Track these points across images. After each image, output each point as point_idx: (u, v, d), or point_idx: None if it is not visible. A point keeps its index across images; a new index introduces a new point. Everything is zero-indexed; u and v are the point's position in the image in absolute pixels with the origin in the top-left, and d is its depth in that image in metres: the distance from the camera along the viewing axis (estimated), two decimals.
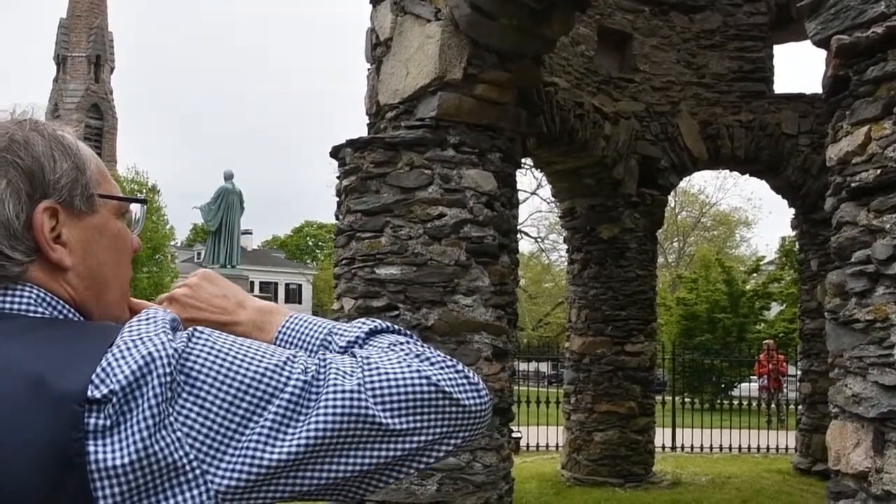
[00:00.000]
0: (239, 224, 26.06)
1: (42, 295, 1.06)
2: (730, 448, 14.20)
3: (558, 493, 10.05)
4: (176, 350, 0.94)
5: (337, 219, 6.92)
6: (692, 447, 14.20)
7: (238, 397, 0.95)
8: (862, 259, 3.85)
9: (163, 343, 0.93)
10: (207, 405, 0.93)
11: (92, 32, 55.84)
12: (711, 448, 14.14)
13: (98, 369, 0.91)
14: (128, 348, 0.93)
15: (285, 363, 0.98)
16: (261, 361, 0.98)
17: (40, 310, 1.05)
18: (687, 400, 16.51)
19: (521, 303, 39.24)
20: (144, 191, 32.43)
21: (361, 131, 7.40)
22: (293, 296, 64.14)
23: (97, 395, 0.89)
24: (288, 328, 1.21)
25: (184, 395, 0.93)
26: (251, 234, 61.97)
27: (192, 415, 0.93)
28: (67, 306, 1.07)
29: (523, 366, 19.08)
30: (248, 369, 0.96)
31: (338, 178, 6.89)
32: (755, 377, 20.43)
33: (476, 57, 6.52)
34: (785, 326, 23.72)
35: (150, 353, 0.92)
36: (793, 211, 11.50)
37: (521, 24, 6.45)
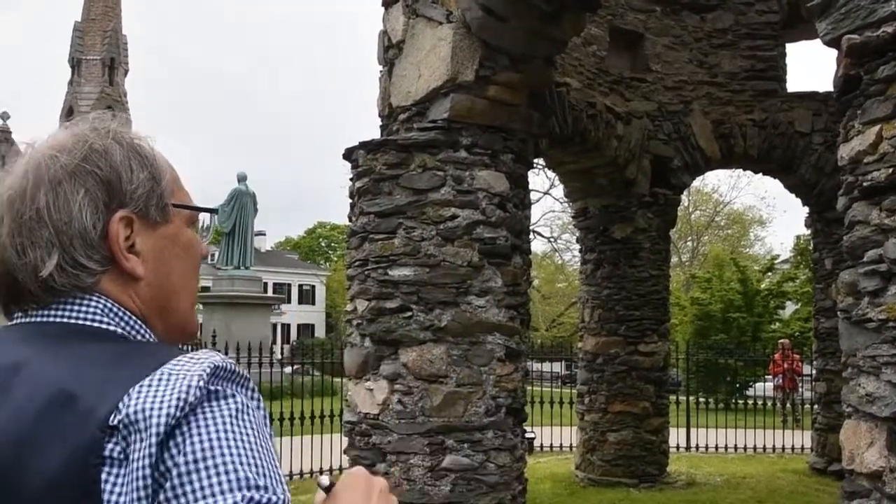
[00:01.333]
0: (252, 225, 26.16)
1: (109, 306, 1.05)
2: (745, 448, 14.15)
3: (572, 494, 10.05)
4: (196, 399, 0.91)
5: (350, 220, 6.94)
6: (707, 447, 14.15)
7: (208, 476, 0.88)
8: (874, 258, 3.84)
9: (188, 388, 0.91)
10: (180, 470, 0.88)
11: (106, 35, 56.11)
12: (726, 448, 14.09)
13: (125, 396, 0.90)
14: (159, 380, 0.92)
15: (260, 487, 0.91)
16: (246, 468, 0.91)
17: (105, 320, 1.04)
18: (702, 400, 16.49)
19: (534, 303, 39.22)
20: None
21: (374, 133, 7.44)
22: (307, 297, 64.26)
23: (115, 421, 0.89)
24: None
25: (169, 446, 0.89)
26: (265, 235, 62.09)
27: (165, 468, 0.89)
28: (134, 318, 1.07)
29: (537, 366, 19.04)
30: (226, 463, 0.90)
31: (350, 180, 6.91)
32: (770, 377, 20.34)
33: (488, 59, 6.53)
34: (800, 325, 23.60)
35: (172, 392, 0.90)
36: (807, 209, 11.47)
37: (532, 26, 6.46)
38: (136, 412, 0.89)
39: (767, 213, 53.47)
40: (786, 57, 10.86)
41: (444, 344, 6.25)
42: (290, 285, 61.95)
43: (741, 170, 12.77)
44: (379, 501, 1.06)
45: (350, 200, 6.94)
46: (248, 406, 0.95)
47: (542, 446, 14.00)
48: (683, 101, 10.54)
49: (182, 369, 0.93)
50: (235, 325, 22.23)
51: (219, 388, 0.93)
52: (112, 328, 1.04)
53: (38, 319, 1.05)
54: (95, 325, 1.04)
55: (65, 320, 1.04)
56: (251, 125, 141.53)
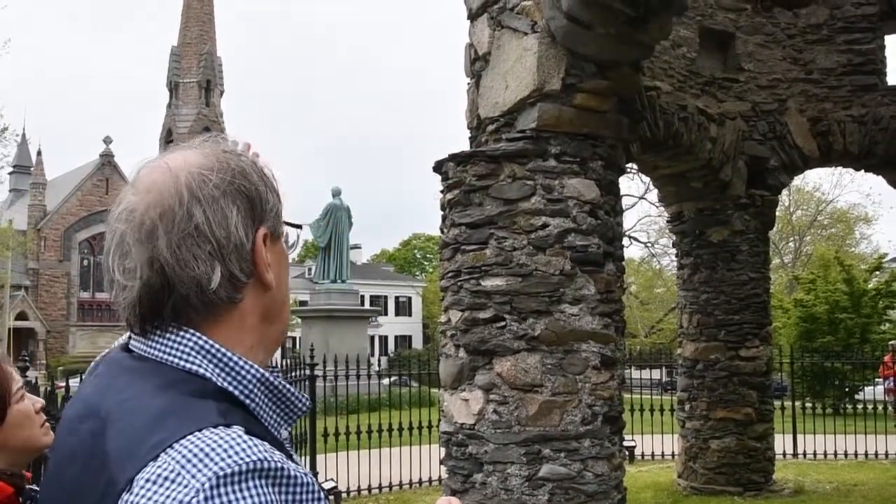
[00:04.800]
0: (348, 239, 26.59)
1: (201, 343, 1.08)
2: (855, 454, 13.67)
3: (675, 503, 9.90)
4: None
5: (442, 232, 7.00)
6: (815, 454, 13.75)
7: None
8: None
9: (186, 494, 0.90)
10: None
11: (202, 59, 57.99)
12: (836, 454, 13.64)
13: (135, 480, 0.93)
14: (164, 479, 0.92)
15: None
16: None
17: (198, 361, 1.07)
18: (809, 405, 16.01)
19: (632, 309, 38.73)
20: None
21: (465, 142, 7.50)
22: (403, 309, 64.84)
23: None
24: None
25: None
26: (360, 248, 62.96)
27: None
28: (222, 350, 1.08)
29: (636, 373, 18.76)
30: None
31: (441, 192, 6.98)
32: (881, 379, 19.59)
33: (574, 67, 6.52)
34: None
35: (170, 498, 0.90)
36: None
37: (618, 32, 6.42)
38: None
39: (873, 211, 51.59)
40: (885, 49, 10.49)
41: (538, 353, 6.25)
42: (386, 297, 62.64)
43: (842, 167, 12.39)
44: None
45: (441, 212, 7.01)
46: None
47: (642, 455, 13.84)
48: (778, 100, 10.30)
49: (187, 474, 0.92)
50: (333, 339, 22.60)
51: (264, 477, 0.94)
52: (196, 369, 1.06)
53: (140, 352, 1.11)
54: (184, 364, 1.06)
55: (154, 357, 1.08)
56: (345, 138, 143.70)
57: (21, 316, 51.75)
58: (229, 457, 0.92)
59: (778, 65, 10.32)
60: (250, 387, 1.08)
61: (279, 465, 0.95)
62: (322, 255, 26.47)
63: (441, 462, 6.99)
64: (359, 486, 10.59)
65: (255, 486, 0.92)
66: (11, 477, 1.82)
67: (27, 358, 8.25)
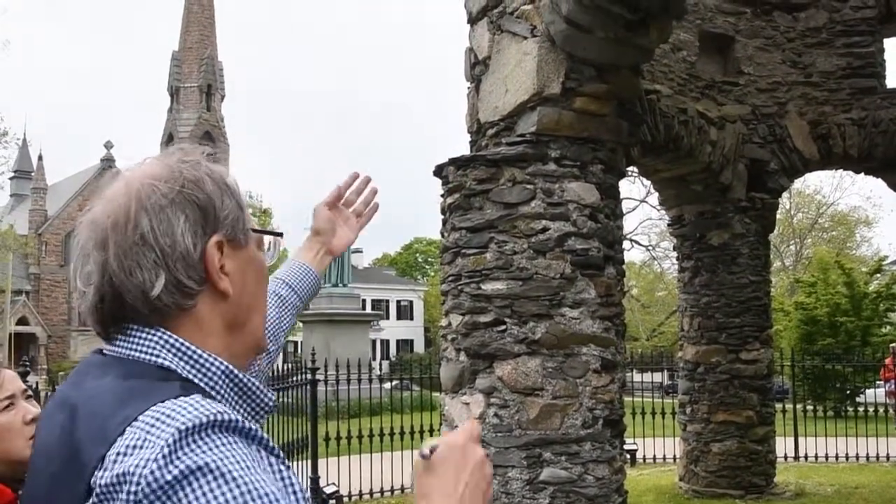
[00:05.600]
0: None
1: (167, 339, 1.11)
2: (857, 457, 13.66)
3: None
4: (168, 478, 0.92)
5: (442, 236, 7.01)
6: (816, 456, 13.72)
7: None
8: None
9: (155, 460, 0.93)
10: None
11: (203, 63, 58.08)
12: (837, 457, 13.63)
13: (106, 456, 0.96)
14: (131, 443, 0.96)
15: None
16: None
17: (162, 354, 1.10)
18: (810, 407, 16.02)
19: (634, 312, 38.74)
20: (258, 214, 33.43)
21: (464, 148, 7.51)
22: (405, 312, 64.80)
23: (94, 484, 0.96)
24: None
25: None
26: (361, 252, 62.94)
27: None
28: (192, 348, 1.11)
29: (637, 376, 18.78)
30: None
31: (441, 196, 6.99)
32: (882, 382, 19.59)
33: (574, 71, 6.53)
34: None
35: (138, 463, 0.93)
36: None
37: (617, 36, 6.43)
38: (106, 485, 0.95)
39: (874, 213, 51.64)
40: (884, 52, 10.51)
41: (538, 356, 6.25)
42: (388, 301, 62.61)
43: (842, 170, 12.40)
44: (472, 476, 1.17)
45: (442, 216, 7.02)
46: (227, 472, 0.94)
47: (644, 458, 13.83)
48: (778, 103, 10.31)
49: (152, 437, 0.95)
50: (335, 343, 22.60)
51: (185, 463, 0.93)
52: (161, 362, 1.09)
53: (110, 352, 1.14)
54: (150, 359, 1.10)
55: (123, 355, 1.12)
56: (346, 140, 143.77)
57: (22, 321, 51.79)
58: (189, 413, 0.96)
59: (777, 68, 10.34)
60: (215, 378, 1.11)
61: (240, 420, 0.99)
62: None
63: None
64: (360, 491, 10.60)
65: (219, 437, 0.96)
66: (14, 482, 1.79)
67: (28, 363, 8.26)
